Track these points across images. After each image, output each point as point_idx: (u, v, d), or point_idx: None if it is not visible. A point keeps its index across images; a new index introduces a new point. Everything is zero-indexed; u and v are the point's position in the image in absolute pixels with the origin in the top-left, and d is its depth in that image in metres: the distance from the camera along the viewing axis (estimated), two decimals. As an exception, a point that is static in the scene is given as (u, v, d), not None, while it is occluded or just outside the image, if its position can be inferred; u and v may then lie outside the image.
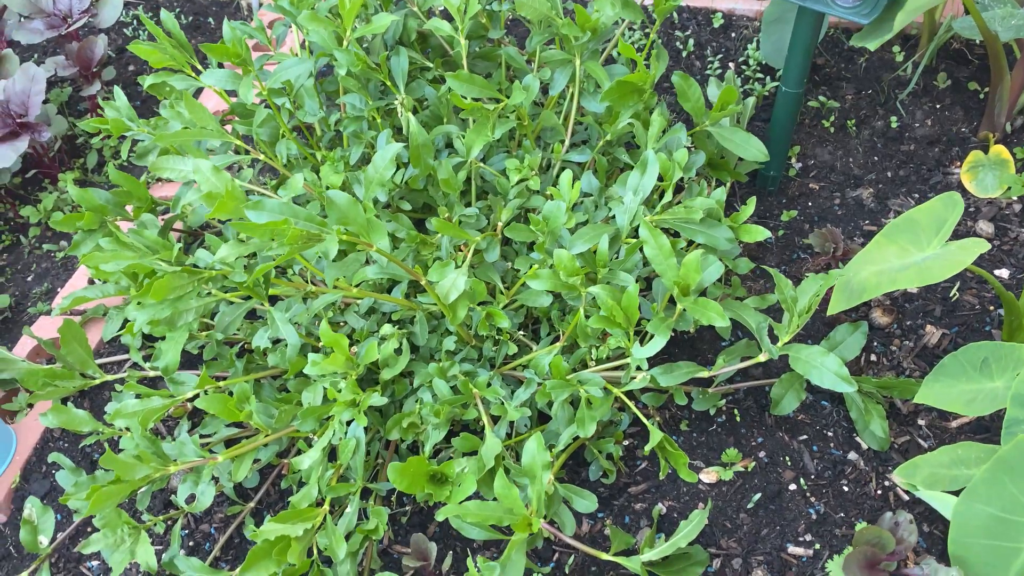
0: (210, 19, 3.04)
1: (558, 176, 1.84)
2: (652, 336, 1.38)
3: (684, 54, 2.50)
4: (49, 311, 2.14)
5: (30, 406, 1.91)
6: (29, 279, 2.27)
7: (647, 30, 2.58)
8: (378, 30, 1.66)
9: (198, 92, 2.64)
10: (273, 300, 1.68)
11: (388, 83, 1.72)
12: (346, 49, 1.67)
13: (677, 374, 1.47)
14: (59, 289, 2.21)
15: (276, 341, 1.76)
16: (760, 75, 2.40)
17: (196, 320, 1.50)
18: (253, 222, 1.23)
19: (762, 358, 1.47)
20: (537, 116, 1.87)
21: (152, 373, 1.80)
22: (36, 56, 2.93)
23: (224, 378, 1.76)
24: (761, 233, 1.50)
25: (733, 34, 2.55)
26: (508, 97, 1.67)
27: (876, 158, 2.19)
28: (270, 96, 1.75)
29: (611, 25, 1.74)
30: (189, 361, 1.91)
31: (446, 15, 2.16)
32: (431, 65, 1.95)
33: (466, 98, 1.64)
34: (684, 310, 1.40)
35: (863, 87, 2.35)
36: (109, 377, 1.77)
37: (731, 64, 2.46)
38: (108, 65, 2.59)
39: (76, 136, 2.62)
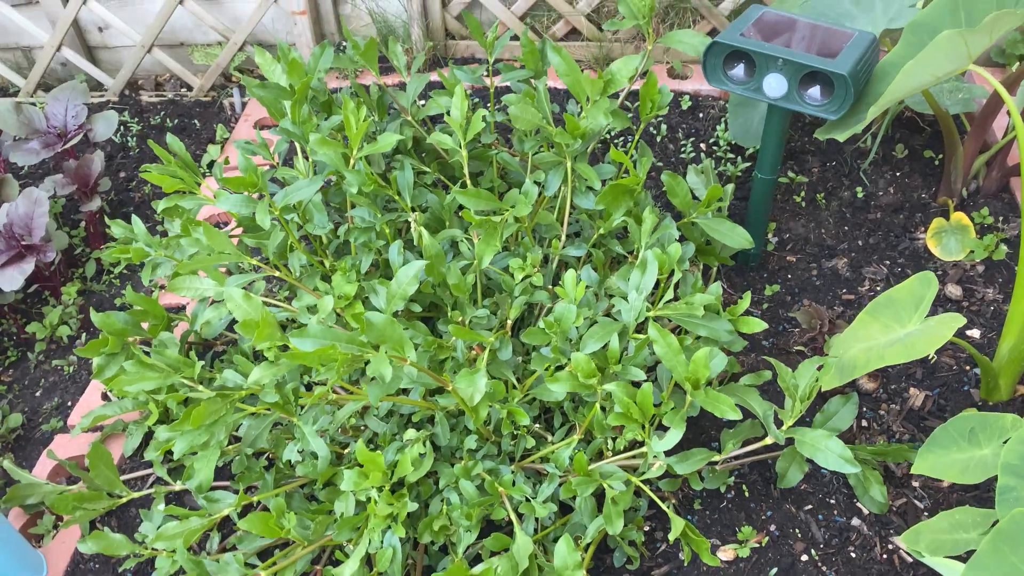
0: (195, 120, 3.13)
1: (557, 270, 1.95)
2: (668, 429, 1.48)
3: (658, 139, 2.65)
4: (63, 427, 2.17)
5: (56, 528, 1.93)
6: (38, 394, 2.30)
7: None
8: (383, 149, 1.76)
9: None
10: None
11: (396, 197, 1.82)
12: (354, 169, 1.77)
13: (692, 461, 1.57)
14: (70, 403, 2.24)
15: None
16: (731, 155, 2.55)
17: (226, 437, 1.57)
18: (300, 351, 1.31)
19: (768, 441, 1.57)
20: (532, 214, 1.98)
21: (179, 487, 1.85)
22: (28, 168, 2.98)
23: (253, 487, 1.81)
24: (758, 325, 1.61)
25: (701, 115, 2.71)
26: (507, 202, 1.78)
27: (846, 228, 2.34)
28: (280, 213, 1.84)
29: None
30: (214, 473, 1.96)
31: (437, 118, 2.27)
32: (428, 169, 2.07)
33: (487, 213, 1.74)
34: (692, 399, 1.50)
35: (827, 159, 2.51)
36: (135, 495, 1.82)
37: (702, 145, 2.61)
38: (104, 176, 2.66)
39: (74, 248, 2.68)
